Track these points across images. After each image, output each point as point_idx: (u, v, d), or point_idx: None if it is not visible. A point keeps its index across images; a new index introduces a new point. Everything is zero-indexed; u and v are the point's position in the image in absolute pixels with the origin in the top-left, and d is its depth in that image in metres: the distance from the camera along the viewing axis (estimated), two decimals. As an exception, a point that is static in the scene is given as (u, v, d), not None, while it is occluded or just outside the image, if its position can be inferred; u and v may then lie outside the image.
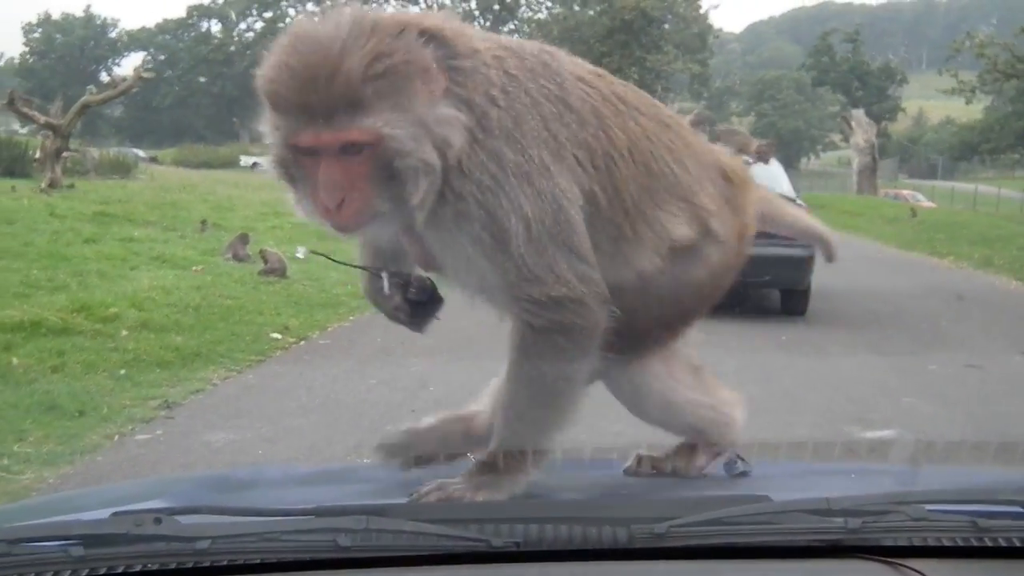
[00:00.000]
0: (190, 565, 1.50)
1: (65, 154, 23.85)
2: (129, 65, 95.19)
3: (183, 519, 1.56)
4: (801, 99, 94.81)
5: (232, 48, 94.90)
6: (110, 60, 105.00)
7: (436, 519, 1.61)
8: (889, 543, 1.64)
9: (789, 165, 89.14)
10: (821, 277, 16.68)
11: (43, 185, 20.78)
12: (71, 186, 21.14)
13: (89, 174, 28.54)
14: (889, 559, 1.61)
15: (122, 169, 31.20)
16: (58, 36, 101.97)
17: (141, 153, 34.19)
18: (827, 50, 78.80)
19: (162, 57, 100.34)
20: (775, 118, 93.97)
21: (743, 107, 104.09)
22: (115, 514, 1.59)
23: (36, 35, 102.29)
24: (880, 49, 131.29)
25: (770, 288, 12.78)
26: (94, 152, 33.20)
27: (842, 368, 8.99)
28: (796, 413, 7.21)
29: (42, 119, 23.52)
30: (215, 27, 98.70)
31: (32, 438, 5.93)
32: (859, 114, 51.48)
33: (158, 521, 1.51)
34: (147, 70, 28.94)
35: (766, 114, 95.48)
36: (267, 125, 1.82)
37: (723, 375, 8.05)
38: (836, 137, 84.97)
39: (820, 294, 14.45)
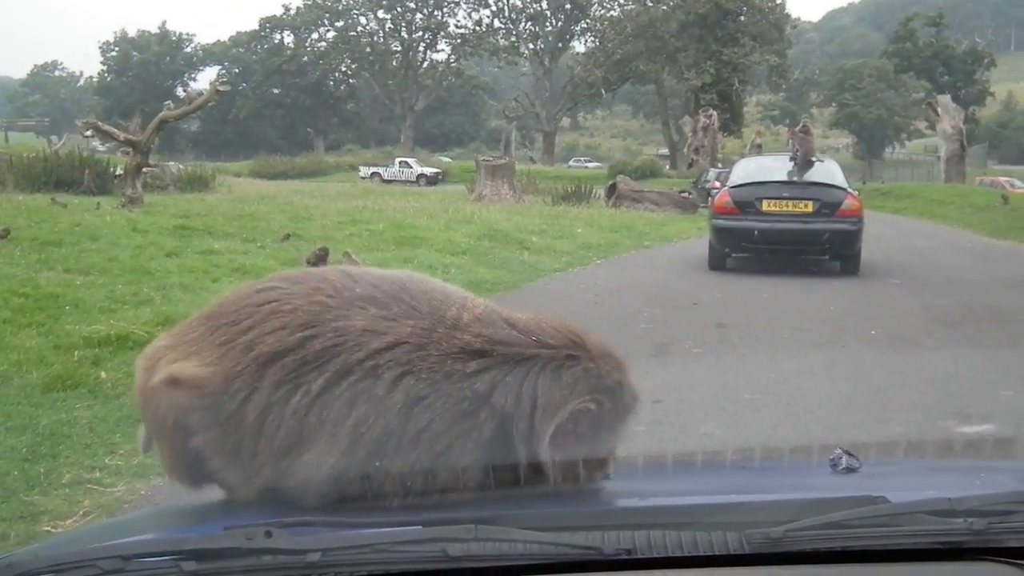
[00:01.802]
0: None
1: (145, 170, 24.27)
2: (205, 79, 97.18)
3: (293, 532, 1.57)
4: (883, 87, 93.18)
5: (305, 58, 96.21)
6: (186, 75, 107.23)
7: (546, 527, 1.59)
8: (1015, 544, 1.59)
9: (873, 155, 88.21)
10: (910, 267, 16.42)
11: (123, 201, 21.17)
12: (145, 204, 21.52)
13: (168, 188, 29.05)
14: (1016, 560, 1.56)
15: (200, 183, 31.71)
16: (135, 53, 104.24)
17: (174, 167, 34.55)
18: (909, 35, 77.44)
19: (236, 70, 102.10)
20: (857, 108, 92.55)
21: (823, 98, 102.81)
22: (227, 528, 1.59)
23: (113, 53, 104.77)
24: (965, 32, 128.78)
25: (827, 255, 15.78)
26: (173, 167, 33.80)
27: (935, 362, 8.74)
28: (889, 409, 7.02)
29: (121, 136, 23.92)
30: (287, 38, 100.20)
31: (122, 451, 5.97)
32: (945, 100, 50.29)
33: (268, 534, 1.51)
34: (222, 83, 29.29)
35: (848, 104, 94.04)
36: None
37: (812, 373, 7.92)
38: (921, 125, 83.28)
39: (909, 284, 14.17)
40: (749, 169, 17.55)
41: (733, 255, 16.14)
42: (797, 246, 15.58)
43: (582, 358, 1.92)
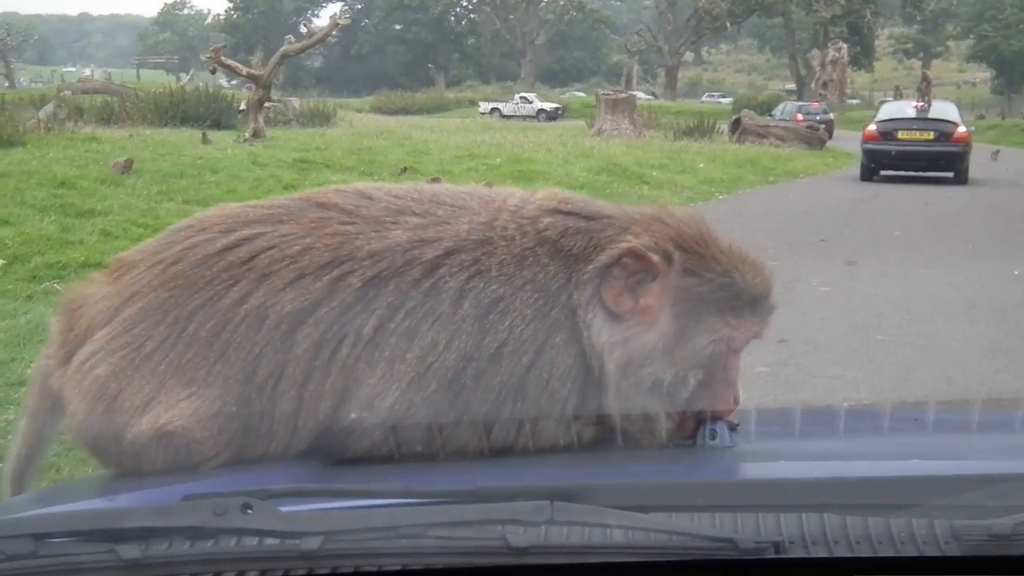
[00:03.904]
0: (297, 573, 1.05)
1: (267, 104, 24.42)
2: (328, 15, 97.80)
3: (283, 505, 1.10)
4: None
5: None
6: (309, 11, 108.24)
7: (649, 505, 1.11)
8: None
9: (1013, 90, 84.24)
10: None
11: (247, 135, 21.35)
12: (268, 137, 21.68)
13: (291, 123, 29.21)
14: None
15: (321, 118, 31.77)
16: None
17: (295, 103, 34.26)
18: (1058, -42, 73.38)
19: (359, 6, 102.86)
20: (997, 39, 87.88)
21: (960, 29, 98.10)
22: (186, 498, 1.13)
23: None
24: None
25: (943, 169, 21.80)
26: (295, 102, 33.95)
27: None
28: (1035, 354, 6.54)
29: (244, 70, 24.07)
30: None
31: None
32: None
33: (247, 508, 1.06)
34: (342, 17, 29.29)
35: (987, 35, 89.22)
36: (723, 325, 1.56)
37: (950, 314, 7.45)
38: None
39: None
40: (891, 109, 24.79)
41: (880, 171, 22.22)
42: (922, 161, 21.98)
43: (671, 224, 1.57)
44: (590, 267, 1.51)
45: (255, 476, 1.39)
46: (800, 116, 40.00)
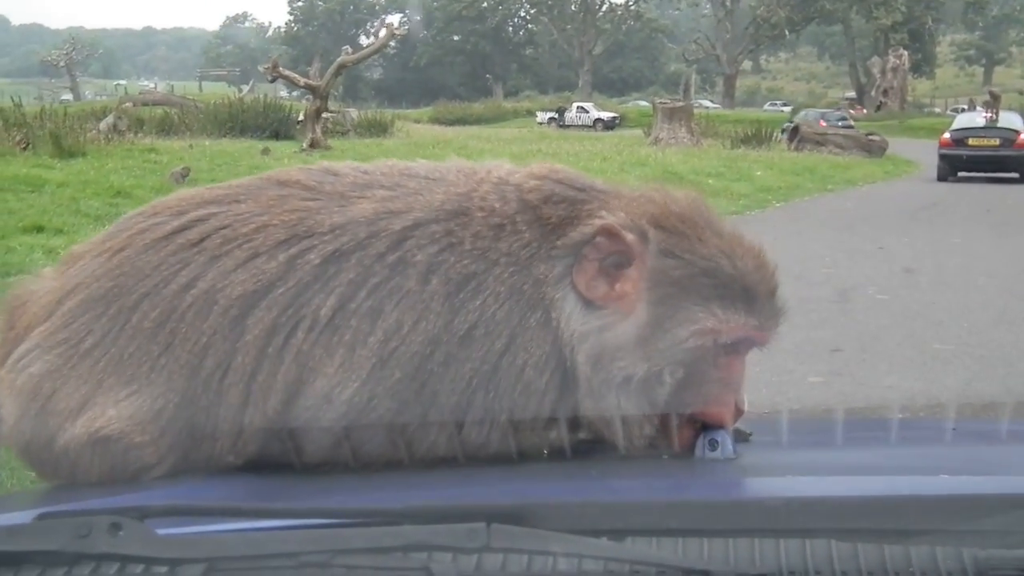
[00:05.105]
0: None
1: (325, 115, 24.69)
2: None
3: (162, 526, 0.92)
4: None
5: (484, 4, 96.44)
6: (368, 24, 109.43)
7: (628, 529, 0.93)
8: None
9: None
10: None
11: (304, 145, 21.57)
12: (328, 147, 21.82)
13: (348, 134, 29.47)
14: None
15: (379, 128, 32.01)
16: (320, 3, 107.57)
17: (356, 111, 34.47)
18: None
19: (417, 17, 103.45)
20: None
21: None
22: (42, 516, 0.96)
23: (300, 3, 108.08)
24: None
25: (1007, 172, 24.85)
26: (353, 112, 34.25)
27: None
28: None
29: (302, 81, 24.41)
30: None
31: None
32: None
33: (116, 528, 0.87)
34: (399, 27, 29.54)
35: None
36: (729, 317, 1.39)
37: (1011, 323, 7.25)
38: None
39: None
40: (963, 120, 29.40)
41: (956, 173, 25.09)
42: (989, 164, 25.26)
43: (657, 201, 1.44)
44: (560, 241, 1.38)
45: (139, 491, 1.20)
46: (824, 123, 40.76)
